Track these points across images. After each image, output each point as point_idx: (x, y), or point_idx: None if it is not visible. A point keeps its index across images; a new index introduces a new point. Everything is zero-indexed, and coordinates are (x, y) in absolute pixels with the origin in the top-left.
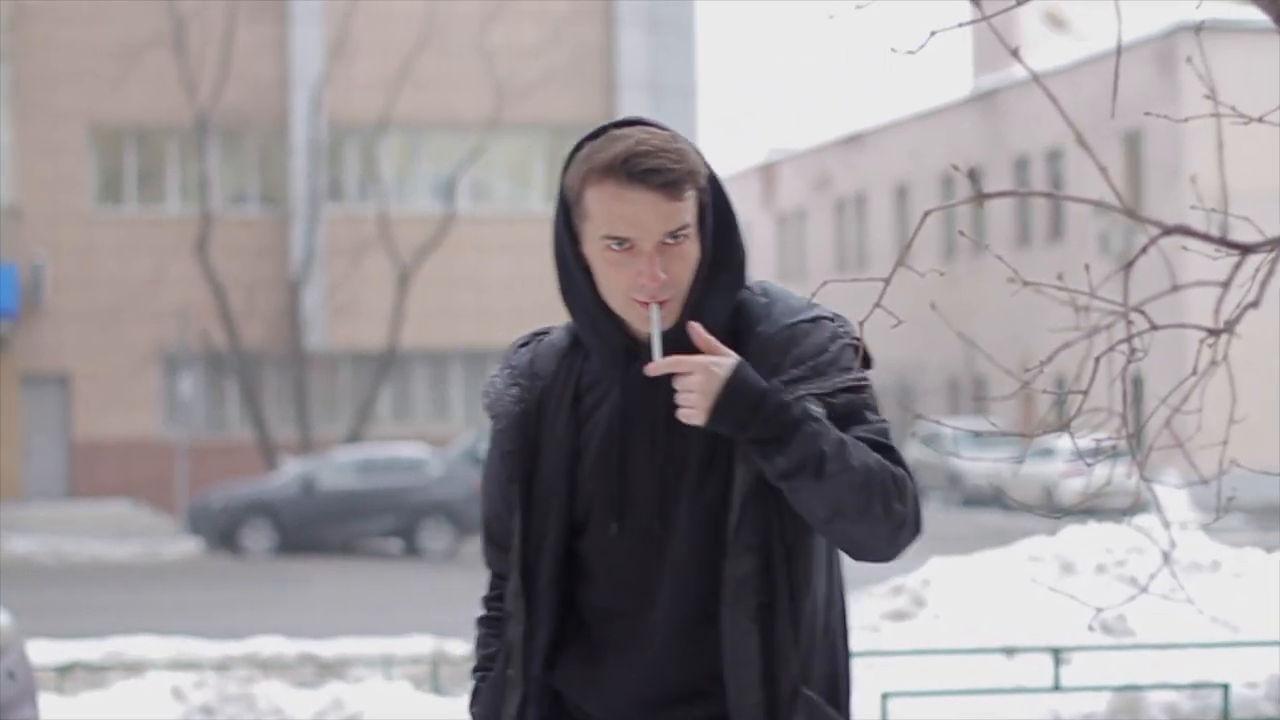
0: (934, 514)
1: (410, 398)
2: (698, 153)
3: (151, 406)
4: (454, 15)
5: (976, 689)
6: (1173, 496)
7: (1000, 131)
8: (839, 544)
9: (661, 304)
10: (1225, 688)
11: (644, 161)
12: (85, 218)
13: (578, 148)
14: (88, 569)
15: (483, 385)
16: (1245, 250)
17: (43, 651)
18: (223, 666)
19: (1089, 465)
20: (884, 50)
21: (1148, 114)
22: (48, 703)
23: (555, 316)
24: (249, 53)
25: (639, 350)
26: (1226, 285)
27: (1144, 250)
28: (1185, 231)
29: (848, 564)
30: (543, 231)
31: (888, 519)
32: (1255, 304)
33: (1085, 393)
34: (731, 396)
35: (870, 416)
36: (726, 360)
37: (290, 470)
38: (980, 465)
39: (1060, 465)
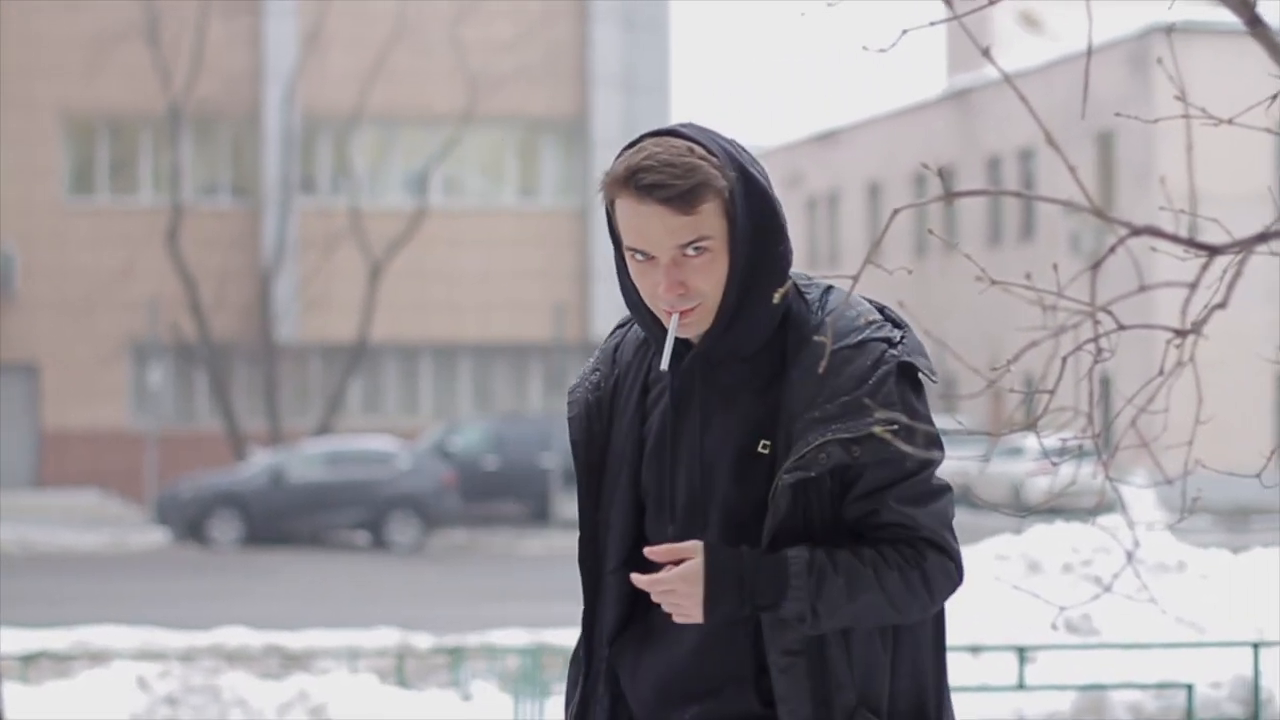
0: None
1: (380, 391)
2: (730, 161)
3: (121, 397)
4: (428, 9)
5: None
6: (1140, 496)
7: (973, 130)
8: None
9: (683, 314)
10: (1189, 688)
11: (646, 176)
12: (57, 207)
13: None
14: (55, 558)
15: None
16: (1213, 251)
17: (8, 640)
18: (188, 657)
19: (1055, 464)
20: (857, 48)
21: (1118, 115)
22: (12, 692)
23: (526, 311)
24: (223, 44)
25: (683, 351)
26: (1194, 286)
27: (1111, 250)
28: (1153, 232)
29: None
30: (514, 226)
31: (908, 615)
32: (1223, 305)
33: (1052, 392)
34: (717, 589)
35: (898, 471)
36: (695, 557)
37: (259, 462)
38: (948, 463)
39: (1027, 464)
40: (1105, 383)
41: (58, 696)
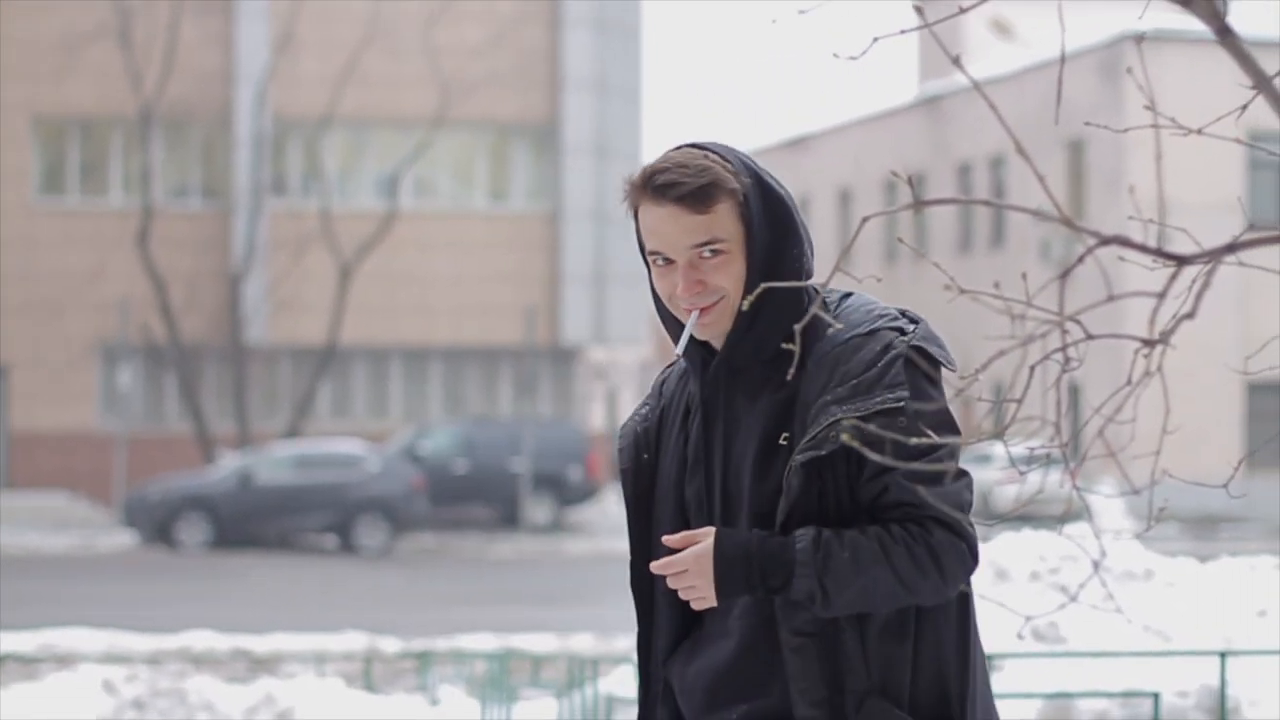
0: None
1: (349, 394)
2: (745, 169)
3: (90, 399)
4: (399, 13)
5: None
6: (1108, 505)
7: (944, 137)
8: None
9: (703, 311)
10: (1156, 696)
11: (660, 177)
12: (27, 209)
13: None
14: (22, 560)
15: None
16: (1182, 261)
17: None
18: (155, 660)
19: (1023, 473)
20: (828, 55)
21: (1088, 124)
22: None
23: (496, 315)
24: (194, 46)
25: (708, 359)
26: (1162, 296)
27: (1080, 260)
28: (1122, 242)
29: None
30: (485, 230)
31: (920, 594)
32: (1191, 315)
33: (1020, 401)
34: (726, 567)
35: (904, 449)
36: (705, 541)
37: (227, 464)
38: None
39: (995, 472)
40: (1074, 391)
41: (24, 699)
